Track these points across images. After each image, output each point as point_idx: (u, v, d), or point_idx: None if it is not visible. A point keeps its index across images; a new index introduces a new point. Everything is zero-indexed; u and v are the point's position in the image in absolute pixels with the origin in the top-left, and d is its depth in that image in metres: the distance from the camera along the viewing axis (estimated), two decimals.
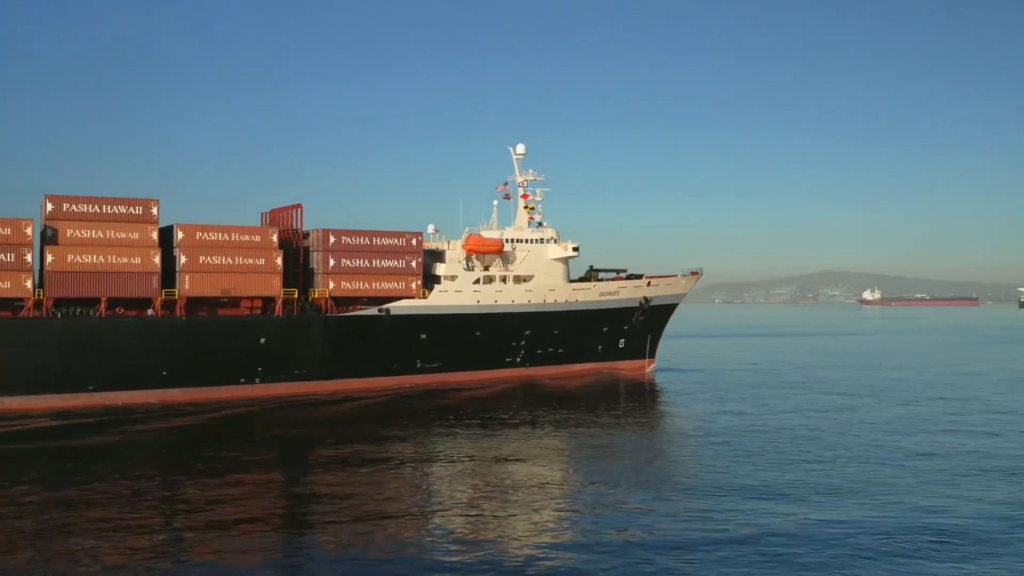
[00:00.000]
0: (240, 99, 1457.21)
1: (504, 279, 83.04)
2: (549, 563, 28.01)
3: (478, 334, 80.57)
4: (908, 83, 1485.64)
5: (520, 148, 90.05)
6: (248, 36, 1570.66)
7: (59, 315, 62.92)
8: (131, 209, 66.28)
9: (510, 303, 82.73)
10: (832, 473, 41.41)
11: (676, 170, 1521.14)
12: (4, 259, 61.33)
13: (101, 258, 64.30)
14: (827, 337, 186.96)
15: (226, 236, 69.39)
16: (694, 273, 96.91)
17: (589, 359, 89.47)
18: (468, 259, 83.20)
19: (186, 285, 66.90)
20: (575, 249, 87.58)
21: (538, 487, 38.85)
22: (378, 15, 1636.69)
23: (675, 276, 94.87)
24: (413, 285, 77.29)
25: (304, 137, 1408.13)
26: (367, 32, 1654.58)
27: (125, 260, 64.96)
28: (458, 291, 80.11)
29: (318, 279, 73.86)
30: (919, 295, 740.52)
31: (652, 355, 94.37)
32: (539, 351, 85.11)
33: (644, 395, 76.32)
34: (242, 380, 68.82)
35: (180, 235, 67.73)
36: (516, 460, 45.42)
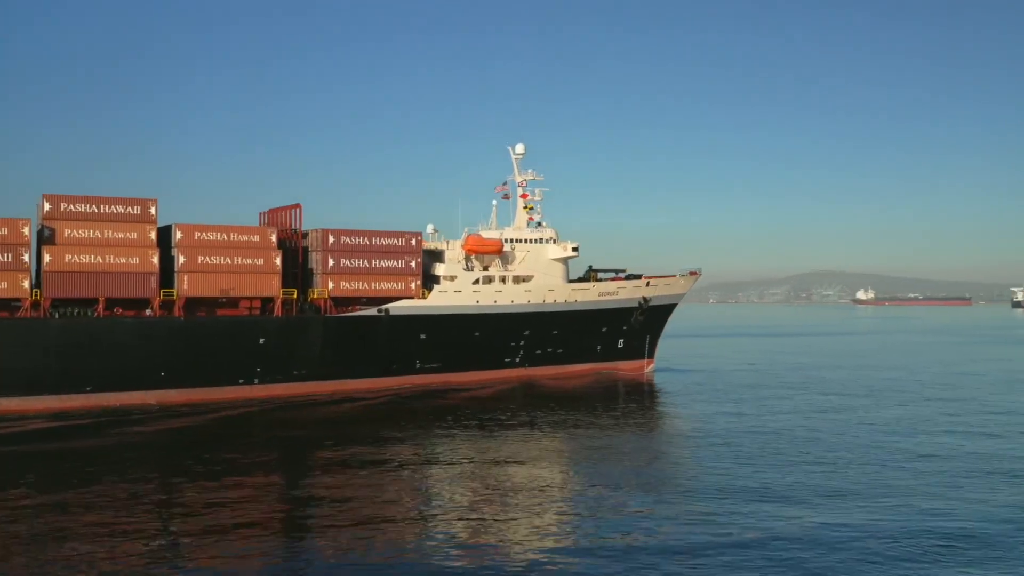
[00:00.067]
0: (239, 98, 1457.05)
1: (503, 279, 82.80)
2: (552, 568, 27.75)
3: (477, 334, 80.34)
4: (908, 83, 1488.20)
5: (519, 148, 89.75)
6: (246, 35, 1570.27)
7: (56, 315, 62.56)
8: (129, 209, 65.94)
9: (509, 303, 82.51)
10: (833, 475, 41.24)
11: (675, 170, 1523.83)
12: (1, 259, 60.91)
13: (99, 258, 63.93)
14: (822, 337, 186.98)
15: (225, 236, 69.08)
16: (693, 273, 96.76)
17: (588, 359, 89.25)
18: (467, 259, 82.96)
19: (184, 285, 66.60)
20: (574, 249, 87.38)
21: (539, 490, 38.63)
22: (377, 15, 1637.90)
23: (674, 276, 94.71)
24: (412, 285, 77.05)
25: (303, 137, 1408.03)
26: (366, 32, 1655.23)
27: (123, 260, 64.59)
28: (457, 291, 79.88)
29: (317, 279, 73.57)
30: (912, 295, 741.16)
31: (651, 355, 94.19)
32: (538, 351, 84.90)
33: (643, 396, 76.13)
34: (241, 381, 68.53)
35: (178, 235, 67.43)
36: (516, 462, 45.19)
